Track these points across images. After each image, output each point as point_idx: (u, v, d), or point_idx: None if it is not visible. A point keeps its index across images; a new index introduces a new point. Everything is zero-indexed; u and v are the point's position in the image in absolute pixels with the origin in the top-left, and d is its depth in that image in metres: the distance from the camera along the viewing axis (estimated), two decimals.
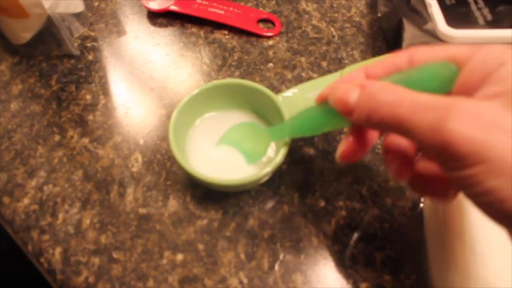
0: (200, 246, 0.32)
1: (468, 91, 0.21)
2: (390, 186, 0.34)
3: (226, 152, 0.34)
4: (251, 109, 0.36)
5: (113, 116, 0.38)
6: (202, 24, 0.45)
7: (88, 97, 0.39)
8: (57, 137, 0.37)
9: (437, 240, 0.31)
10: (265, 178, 0.31)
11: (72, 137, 0.37)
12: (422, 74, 0.23)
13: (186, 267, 0.31)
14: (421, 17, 0.38)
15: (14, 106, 0.39)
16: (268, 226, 0.33)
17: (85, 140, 0.37)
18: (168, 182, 0.34)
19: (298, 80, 0.40)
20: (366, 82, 0.24)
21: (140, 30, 0.45)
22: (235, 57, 0.42)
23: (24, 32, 0.39)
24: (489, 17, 0.37)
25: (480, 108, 0.19)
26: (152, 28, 0.45)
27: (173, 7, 0.45)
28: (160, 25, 0.45)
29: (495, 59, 0.21)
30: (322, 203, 0.34)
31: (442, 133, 0.19)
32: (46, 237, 0.32)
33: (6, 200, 0.34)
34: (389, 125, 0.21)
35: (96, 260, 0.31)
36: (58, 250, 0.32)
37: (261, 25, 0.45)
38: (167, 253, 0.31)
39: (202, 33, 0.44)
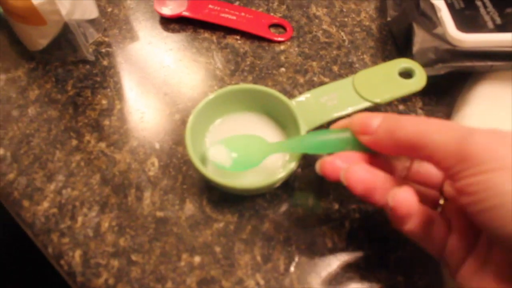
0: (217, 249, 0.32)
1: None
2: None
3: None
4: (265, 113, 0.36)
5: (128, 121, 0.39)
6: (214, 29, 0.45)
7: (104, 102, 0.40)
8: (74, 142, 0.38)
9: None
10: (280, 182, 0.32)
11: (89, 141, 0.38)
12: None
13: (204, 269, 0.31)
14: (430, 21, 0.39)
15: (31, 111, 0.40)
16: (284, 228, 0.33)
17: (102, 145, 0.38)
18: (185, 186, 0.35)
19: (310, 84, 0.41)
20: (390, 114, 0.26)
21: (153, 35, 0.45)
22: (248, 62, 0.43)
23: (41, 39, 0.40)
24: (498, 20, 0.37)
25: (502, 131, 0.22)
26: (165, 33, 0.46)
27: (186, 13, 0.45)
28: (173, 31, 0.46)
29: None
30: (336, 206, 0.34)
31: (464, 143, 0.21)
32: (66, 240, 0.33)
33: (26, 203, 0.35)
34: (410, 142, 0.24)
35: (115, 263, 0.32)
36: (78, 253, 0.32)
37: (272, 30, 0.45)
38: (184, 256, 0.32)
39: (214, 38, 0.45)
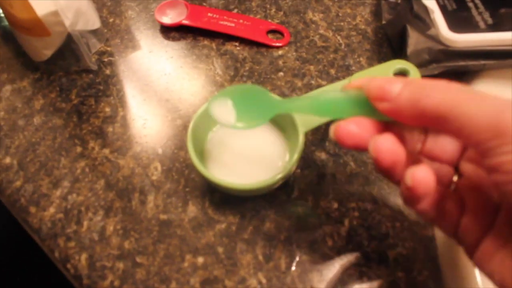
0: (220, 249, 0.33)
1: None
2: None
3: (242, 158, 0.35)
4: None
5: (131, 127, 0.40)
6: (213, 36, 0.46)
7: (107, 109, 0.41)
8: (79, 149, 0.39)
9: (447, 237, 0.32)
10: (280, 183, 0.33)
11: (93, 148, 0.39)
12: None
13: (207, 269, 0.32)
14: (424, 23, 0.40)
15: (37, 120, 0.41)
16: (284, 228, 0.34)
17: (106, 151, 0.38)
18: (187, 189, 0.36)
19: (308, 88, 0.42)
20: (411, 79, 0.23)
21: (154, 44, 0.47)
22: (247, 68, 0.44)
23: (45, 50, 0.41)
24: (490, 20, 0.38)
25: None
26: (166, 42, 0.47)
27: (185, 21, 0.46)
28: (173, 39, 0.47)
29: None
30: (335, 205, 0.35)
31: (501, 117, 0.19)
32: (72, 244, 0.34)
33: (32, 209, 0.36)
34: (439, 110, 0.21)
35: (120, 265, 0.33)
36: (84, 256, 0.33)
37: (270, 36, 0.46)
38: (188, 257, 0.33)
39: (214, 45, 0.46)
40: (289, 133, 0.35)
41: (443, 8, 0.40)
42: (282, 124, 0.36)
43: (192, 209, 0.35)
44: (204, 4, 0.50)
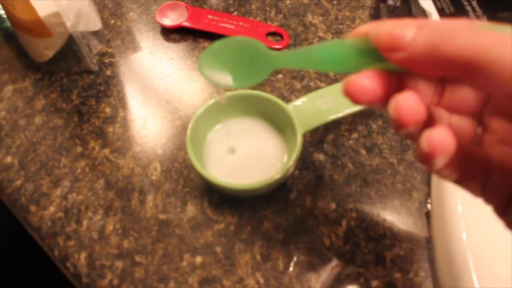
0: (218, 249, 0.33)
1: None
2: (397, 188, 0.36)
3: (241, 158, 0.36)
4: (263, 118, 0.38)
5: (131, 128, 0.40)
6: (213, 38, 0.47)
7: (108, 110, 0.42)
8: (79, 149, 0.39)
9: (444, 238, 0.32)
10: (278, 183, 0.33)
11: (93, 148, 0.39)
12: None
13: (205, 268, 0.32)
14: None
15: (38, 120, 0.41)
16: (282, 228, 0.34)
17: (106, 151, 0.39)
18: (186, 189, 0.36)
19: (307, 89, 0.42)
20: (425, 22, 0.20)
21: (154, 46, 0.47)
22: None
23: (47, 50, 0.42)
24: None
25: None
26: (166, 43, 0.47)
27: (186, 23, 0.47)
28: (174, 41, 0.47)
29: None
30: (333, 206, 0.35)
31: None
32: (71, 242, 0.34)
33: (33, 208, 0.36)
34: (465, 56, 0.18)
35: (119, 264, 0.33)
36: (83, 255, 0.33)
37: (270, 38, 0.47)
38: (186, 256, 0.33)
39: None
40: (288, 134, 0.36)
41: (441, 11, 0.40)
42: (281, 125, 0.37)
43: (191, 209, 0.35)
44: (205, 6, 0.50)
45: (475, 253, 0.30)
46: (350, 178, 0.37)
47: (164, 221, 0.35)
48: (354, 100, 0.21)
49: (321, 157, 0.38)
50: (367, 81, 0.21)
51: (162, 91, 0.43)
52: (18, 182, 0.37)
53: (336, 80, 0.43)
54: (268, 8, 0.50)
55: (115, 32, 0.48)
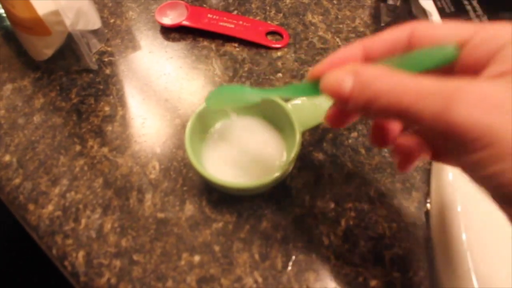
0: (216, 248, 0.33)
1: (473, 69, 0.21)
2: (397, 187, 0.36)
3: (240, 157, 0.36)
4: (262, 116, 0.37)
5: (130, 127, 0.40)
6: (213, 37, 0.47)
7: (107, 109, 0.42)
8: (78, 147, 0.39)
9: (443, 238, 0.32)
10: (277, 182, 0.33)
11: (92, 147, 0.39)
12: (422, 58, 0.22)
13: (203, 267, 0.32)
14: None
15: (37, 118, 0.41)
16: (281, 227, 0.34)
17: (105, 150, 0.39)
18: (185, 188, 0.36)
19: None
20: (360, 68, 0.22)
21: (154, 44, 0.47)
22: (246, 68, 0.44)
23: (46, 49, 0.42)
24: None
25: (485, 90, 0.18)
26: (166, 42, 0.47)
27: (185, 22, 0.47)
28: (173, 40, 0.47)
29: (500, 37, 0.20)
30: (332, 205, 0.35)
31: (448, 120, 0.18)
32: (69, 241, 0.34)
33: (31, 207, 0.36)
34: (390, 114, 0.20)
35: (117, 263, 0.33)
36: (81, 254, 0.33)
37: (269, 37, 0.47)
38: (185, 255, 0.33)
39: (213, 46, 0.46)
40: (287, 132, 0.35)
41: (441, 10, 0.40)
42: (280, 124, 0.36)
43: (189, 208, 0.35)
44: (204, 5, 0.50)
45: (475, 253, 0.30)
46: (349, 177, 0.36)
47: (162, 219, 0.35)
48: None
49: (320, 156, 0.38)
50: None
51: (161, 90, 0.43)
52: (17, 181, 0.37)
53: None
54: (268, 7, 0.50)
55: (114, 31, 0.48)
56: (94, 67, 0.44)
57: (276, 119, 0.37)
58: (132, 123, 0.40)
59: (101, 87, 0.43)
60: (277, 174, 0.31)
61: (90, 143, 0.39)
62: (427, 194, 0.35)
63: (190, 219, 0.35)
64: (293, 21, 0.48)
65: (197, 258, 0.33)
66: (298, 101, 0.36)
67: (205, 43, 0.47)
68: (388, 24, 0.44)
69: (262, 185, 0.32)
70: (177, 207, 0.35)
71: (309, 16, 0.49)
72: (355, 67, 0.22)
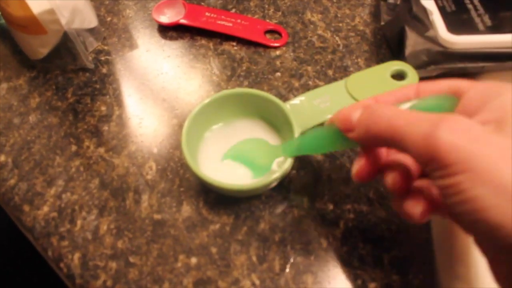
0: (213, 250, 0.33)
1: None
2: None
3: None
4: (260, 117, 0.37)
5: (127, 126, 0.40)
6: (211, 36, 0.46)
7: (103, 108, 0.41)
8: (74, 147, 0.39)
9: (444, 240, 0.32)
10: (274, 183, 0.33)
11: (88, 147, 0.38)
12: (426, 104, 0.25)
13: (200, 270, 0.32)
14: (422, 25, 0.39)
15: (32, 118, 0.41)
16: (279, 229, 0.34)
17: (101, 150, 0.38)
18: (182, 189, 0.36)
19: (305, 88, 0.42)
20: (371, 103, 0.26)
21: (151, 43, 0.46)
22: (244, 68, 0.44)
23: (41, 48, 0.41)
24: (489, 22, 0.38)
25: (470, 123, 0.20)
26: (163, 41, 0.47)
27: (183, 21, 0.46)
28: (171, 38, 0.47)
29: (493, 90, 0.22)
30: (331, 207, 0.35)
31: (431, 141, 0.20)
32: (65, 243, 0.33)
33: (26, 208, 0.35)
34: (385, 137, 0.23)
35: (113, 265, 0.32)
36: (77, 255, 0.33)
37: (268, 36, 0.46)
38: (181, 257, 0.32)
39: (211, 45, 0.46)
40: (285, 133, 0.35)
41: (442, 9, 0.40)
42: (278, 124, 0.36)
43: (186, 209, 0.35)
44: (202, 3, 0.49)
45: (476, 256, 0.29)
46: (348, 178, 0.36)
47: (159, 221, 0.34)
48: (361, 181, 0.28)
49: (319, 156, 0.37)
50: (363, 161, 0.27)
51: (158, 89, 0.42)
52: (12, 181, 0.37)
53: (334, 79, 0.42)
54: (266, 6, 0.49)
55: (111, 30, 0.48)
56: (91, 66, 0.44)
57: (274, 119, 0.36)
58: (129, 123, 0.40)
59: (98, 86, 0.43)
60: (274, 175, 0.31)
61: (86, 143, 0.39)
62: None
63: (187, 220, 0.34)
64: (292, 20, 0.48)
65: (194, 260, 0.32)
66: (296, 101, 0.35)
67: (203, 41, 0.46)
68: (388, 23, 0.43)
69: (260, 187, 0.31)
70: (174, 209, 0.35)
71: (308, 15, 0.48)
72: (367, 102, 0.26)
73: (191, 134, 0.34)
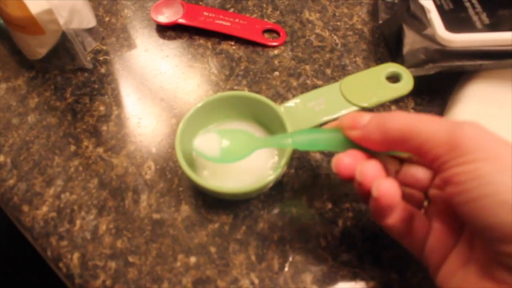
0: (212, 249, 0.33)
1: None
2: None
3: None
4: (255, 119, 0.37)
5: (126, 126, 0.40)
6: (209, 35, 0.46)
7: (102, 108, 0.41)
8: (72, 147, 0.39)
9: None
10: (268, 187, 0.33)
11: (87, 147, 0.39)
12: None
13: (199, 269, 0.32)
14: (420, 23, 0.39)
15: (31, 118, 0.41)
16: (278, 228, 0.34)
17: (100, 150, 0.38)
18: (180, 188, 0.36)
19: (303, 87, 0.42)
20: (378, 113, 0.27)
21: (149, 43, 0.46)
22: (242, 67, 0.44)
23: (40, 48, 0.41)
24: (487, 20, 0.38)
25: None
26: (161, 41, 0.47)
27: (181, 20, 0.46)
28: (169, 38, 0.47)
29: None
30: (329, 205, 0.35)
31: (455, 131, 0.22)
32: (64, 243, 0.34)
33: (25, 208, 0.35)
34: (401, 130, 0.24)
35: (112, 264, 0.32)
36: (76, 255, 0.33)
37: (266, 35, 0.46)
38: (180, 256, 0.33)
39: (209, 44, 0.46)
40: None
41: (439, 7, 0.40)
42: (272, 127, 0.36)
43: (185, 209, 0.35)
44: (200, 3, 0.49)
45: None
46: None
47: (158, 220, 0.34)
48: (340, 175, 0.27)
49: (317, 156, 0.37)
50: (348, 159, 0.27)
51: (157, 89, 0.42)
52: (11, 182, 0.37)
53: (332, 78, 0.42)
54: (264, 5, 0.49)
55: (110, 30, 0.48)
56: (89, 66, 0.44)
57: (269, 122, 0.36)
58: (128, 123, 0.40)
59: (96, 86, 0.43)
60: (269, 178, 0.31)
61: (85, 143, 0.39)
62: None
63: (186, 220, 0.34)
64: (290, 19, 0.48)
65: (193, 259, 0.32)
66: (291, 103, 0.35)
67: (201, 41, 0.46)
68: (386, 21, 0.43)
69: (254, 190, 0.31)
70: (173, 208, 0.35)
71: (306, 14, 0.48)
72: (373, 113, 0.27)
73: (185, 138, 0.34)
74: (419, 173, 0.28)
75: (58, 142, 0.39)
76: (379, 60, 0.43)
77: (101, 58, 0.45)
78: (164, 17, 0.47)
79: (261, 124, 0.37)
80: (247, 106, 0.36)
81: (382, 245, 0.33)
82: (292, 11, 0.48)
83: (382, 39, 0.45)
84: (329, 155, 0.37)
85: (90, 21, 0.44)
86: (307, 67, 0.43)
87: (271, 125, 0.36)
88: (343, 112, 0.34)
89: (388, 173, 0.28)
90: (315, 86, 0.42)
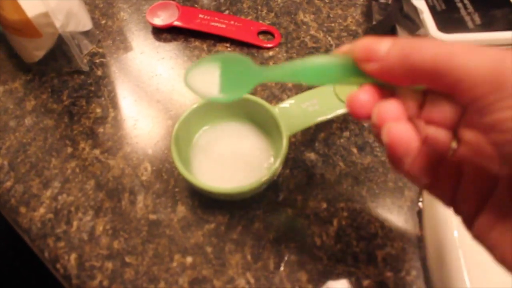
0: (209, 249, 0.33)
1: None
2: (389, 187, 0.36)
3: (227, 161, 0.35)
4: (250, 120, 0.37)
5: (122, 128, 0.40)
6: (204, 38, 0.47)
7: (98, 110, 0.41)
8: (69, 149, 0.39)
9: (436, 237, 0.32)
10: (263, 187, 0.33)
11: (84, 149, 0.39)
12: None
13: (196, 269, 0.32)
14: (413, 24, 0.40)
15: (28, 121, 0.41)
16: (273, 228, 0.34)
17: (96, 152, 0.39)
18: (177, 189, 0.36)
19: (298, 88, 0.42)
20: (399, 38, 0.21)
21: (145, 45, 0.47)
22: None
23: (36, 51, 0.42)
24: (479, 21, 0.38)
25: None
26: (157, 43, 0.47)
27: (177, 23, 0.47)
28: (165, 40, 0.47)
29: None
30: (324, 205, 0.35)
31: (500, 70, 0.18)
32: (61, 244, 0.34)
33: (22, 210, 0.36)
34: (432, 63, 0.19)
35: (109, 265, 0.33)
36: (73, 256, 0.33)
37: (261, 37, 0.47)
38: (177, 256, 0.33)
39: (205, 46, 0.46)
40: (274, 136, 0.35)
41: (432, 8, 0.40)
42: (267, 128, 0.36)
43: (181, 209, 0.35)
44: (196, 5, 0.50)
45: (467, 252, 0.30)
46: (341, 177, 0.36)
47: (154, 221, 0.34)
48: (355, 115, 0.23)
49: (312, 156, 0.38)
50: (365, 95, 0.22)
51: (153, 91, 0.43)
52: (8, 184, 0.37)
53: None
54: (259, 7, 0.49)
55: (106, 32, 0.48)
56: (86, 68, 0.44)
57: (264, 123, 0.36)
58: (124, 124, 0.40)
59: (93, 88, 0.43)
60: (264, 179, 0.31)
61: (82, 145, 0.39)
62: (419, 193, 0.35)
63: (182, 220, 0.34)
64: (284, 20, 0.48)
65: (189, 259, 0.33)
66: (286, 104, 0.36)
67: (197, 43, 0.47)
68: (379, 22, 0.44)
69: (248, 190, 0.32)
70: (169, 209, 0.35)
71: (300, 15, 0.48)
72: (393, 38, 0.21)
73: (181, 139, 0.34)
74: (447, 109, 0.22)
75: (55, 144, 0.39)
76: None
77: (97, 61, 0.45)
78: (160, 20, 0.47)
79: (256, 124, 0.37)
80: (242, 107, 0.36)
81: (376, 244, 0.33)
82: (286, 13, 0.49)
83: None
84: (323, 155, 0.38)
85: (86, 24, 0.44)
86: (295, 82, 0.43)
87: (266, 126, 0.36)
88: (337, 112, 0.35)
89: (409, 110, 0.23)
90: (310, 88, 0.42)
